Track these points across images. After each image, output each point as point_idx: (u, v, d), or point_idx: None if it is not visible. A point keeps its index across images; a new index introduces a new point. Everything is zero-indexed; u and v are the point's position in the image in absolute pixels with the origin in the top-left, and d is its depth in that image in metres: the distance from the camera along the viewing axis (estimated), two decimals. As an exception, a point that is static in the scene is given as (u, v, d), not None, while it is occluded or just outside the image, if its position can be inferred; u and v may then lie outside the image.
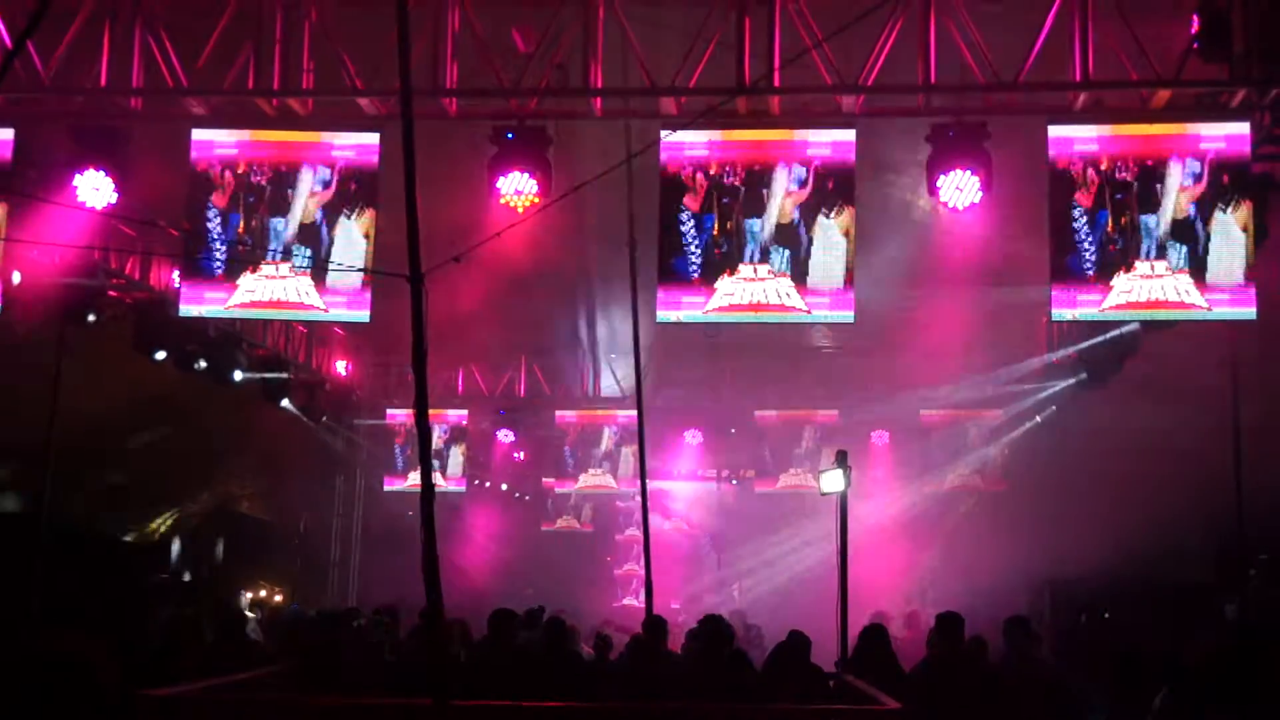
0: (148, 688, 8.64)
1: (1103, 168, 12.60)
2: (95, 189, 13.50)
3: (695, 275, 12.85)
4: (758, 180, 12.84)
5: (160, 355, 19.52)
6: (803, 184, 12.80)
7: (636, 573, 28.19)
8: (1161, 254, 12.47)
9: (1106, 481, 18.45)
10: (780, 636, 11.81)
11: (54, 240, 14.70)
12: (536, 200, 13.06)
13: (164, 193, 14.12)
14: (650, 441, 13.39)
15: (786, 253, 12.74)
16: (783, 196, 12.79)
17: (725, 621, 12.08)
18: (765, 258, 12.77)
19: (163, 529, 26.17)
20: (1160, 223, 12.49)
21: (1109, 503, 18.21)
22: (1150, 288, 12.48)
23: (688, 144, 12.84)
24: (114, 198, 13.58)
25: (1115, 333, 18.07)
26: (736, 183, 12.86)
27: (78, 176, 13.45)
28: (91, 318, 18.32)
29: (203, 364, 20.27)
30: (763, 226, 12.79)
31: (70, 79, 13.52)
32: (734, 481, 29.64)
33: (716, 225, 12.84)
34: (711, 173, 12.90)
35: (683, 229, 12.87)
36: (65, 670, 9.80)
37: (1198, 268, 12.44)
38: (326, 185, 13.35)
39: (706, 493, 30.01)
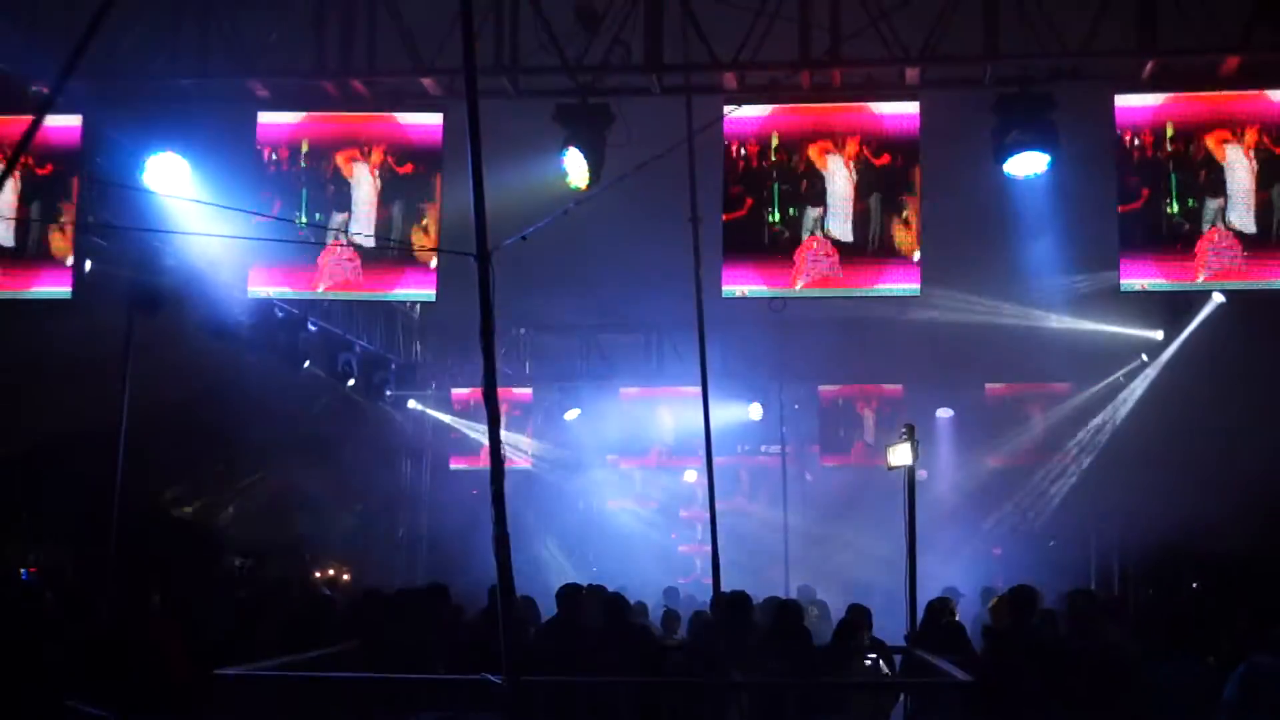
0: (221, 666, 8.77)
1: (1170, 136, 12.45)
2: (166, 173, 13.66)
3: (760, 250, 12.82)
4: (821, 154, 12.77)
5: (228, 340, 19.62)
6: (866, 157, 12.72)
7: (701, 549, 28.09)
8: (1231, 223, 12.30)
9: (1183, 454, 18.19)
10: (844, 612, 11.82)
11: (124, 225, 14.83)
12: (599, 178, 13.07)
13: (231, 176, 14.21)
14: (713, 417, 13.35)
15: (851, 226, 12.67)
16: (847, 170, 12.72)
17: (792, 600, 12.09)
18: (830, 231, 12.71)
19: (228, 511, 26.40)
20: (1230, 191, 12.32)
21: (1184, 475, 17.96)
22: (1222, 257, 12.31)
23: (751, 119, 12.80)
24: (184, 182, 13.74)
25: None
26: (800, 157, 12.81)
27: (148, 160, 13.61)
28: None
29: (272, 347, 20.39)
30: (827, 200, 12.73)
31: (138, 63, 13.63)
32: (798, 457, 29.55)
33: (780, 199, 12.79)
34: (775, 147, 12.85)
35: (746, 204, 12.84)
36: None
37: (1272, 237, 12.26)
38: (391, 165, 13.41)
39: (770, 468, 29.94)
